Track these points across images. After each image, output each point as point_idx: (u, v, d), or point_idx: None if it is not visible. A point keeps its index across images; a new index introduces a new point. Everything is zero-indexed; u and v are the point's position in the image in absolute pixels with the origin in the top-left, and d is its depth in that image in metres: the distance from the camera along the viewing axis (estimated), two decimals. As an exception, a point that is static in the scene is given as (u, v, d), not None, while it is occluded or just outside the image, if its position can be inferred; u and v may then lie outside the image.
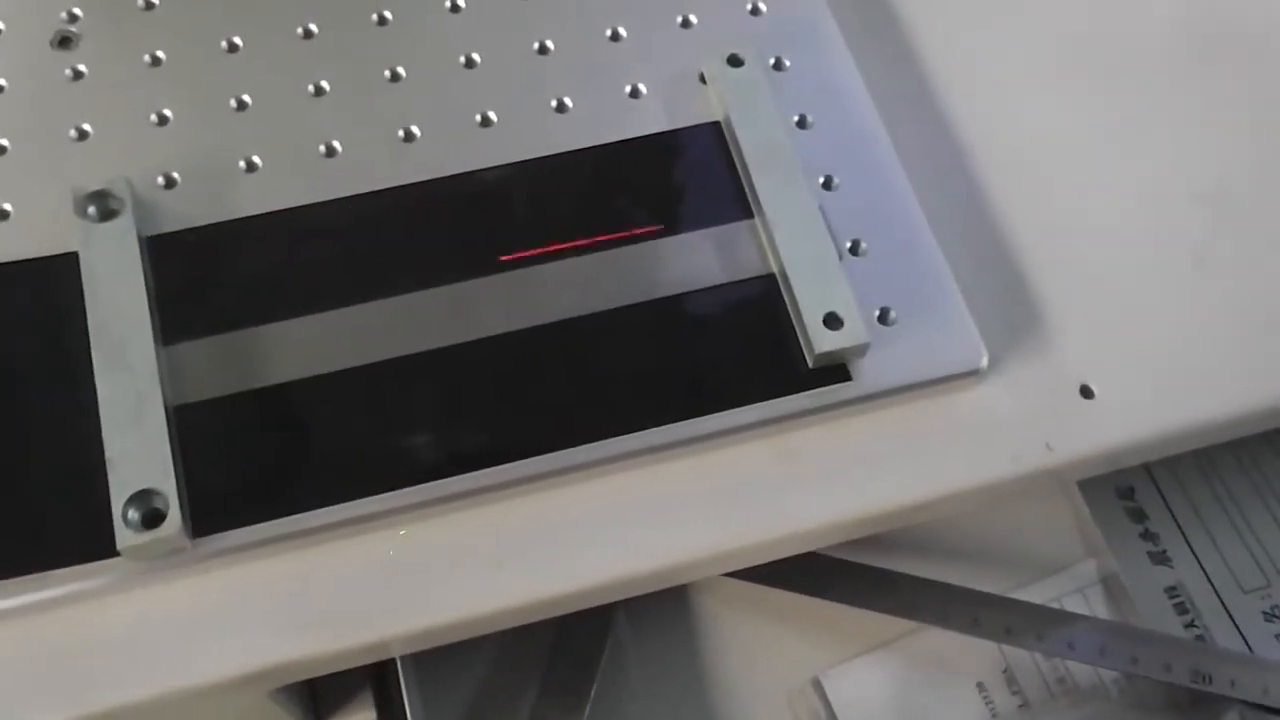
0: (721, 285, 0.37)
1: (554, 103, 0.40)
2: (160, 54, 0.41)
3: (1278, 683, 0.40)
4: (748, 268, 0.38)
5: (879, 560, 0.43)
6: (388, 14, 0.42)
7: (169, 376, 0.35)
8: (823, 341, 0.36)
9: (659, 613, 0.42)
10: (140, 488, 0.33)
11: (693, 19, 0.42)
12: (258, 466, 0.34)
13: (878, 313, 0.37)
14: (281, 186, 0.38)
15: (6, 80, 0.40)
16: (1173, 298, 0.39)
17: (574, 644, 0.42)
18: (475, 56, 0.41)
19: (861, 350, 0.36)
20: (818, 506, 0.36)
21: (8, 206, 0.38)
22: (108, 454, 0.33)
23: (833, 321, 0.36)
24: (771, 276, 0.38)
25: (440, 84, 0.41)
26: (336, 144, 0.39)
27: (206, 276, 0.37)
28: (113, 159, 0.39)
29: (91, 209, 0.36)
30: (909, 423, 0.37)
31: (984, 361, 0.37)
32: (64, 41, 0.41)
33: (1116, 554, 0.44)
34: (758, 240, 0.38)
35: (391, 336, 0.36)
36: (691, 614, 0.42)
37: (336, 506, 0.34)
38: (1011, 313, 0.39)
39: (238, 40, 0.41)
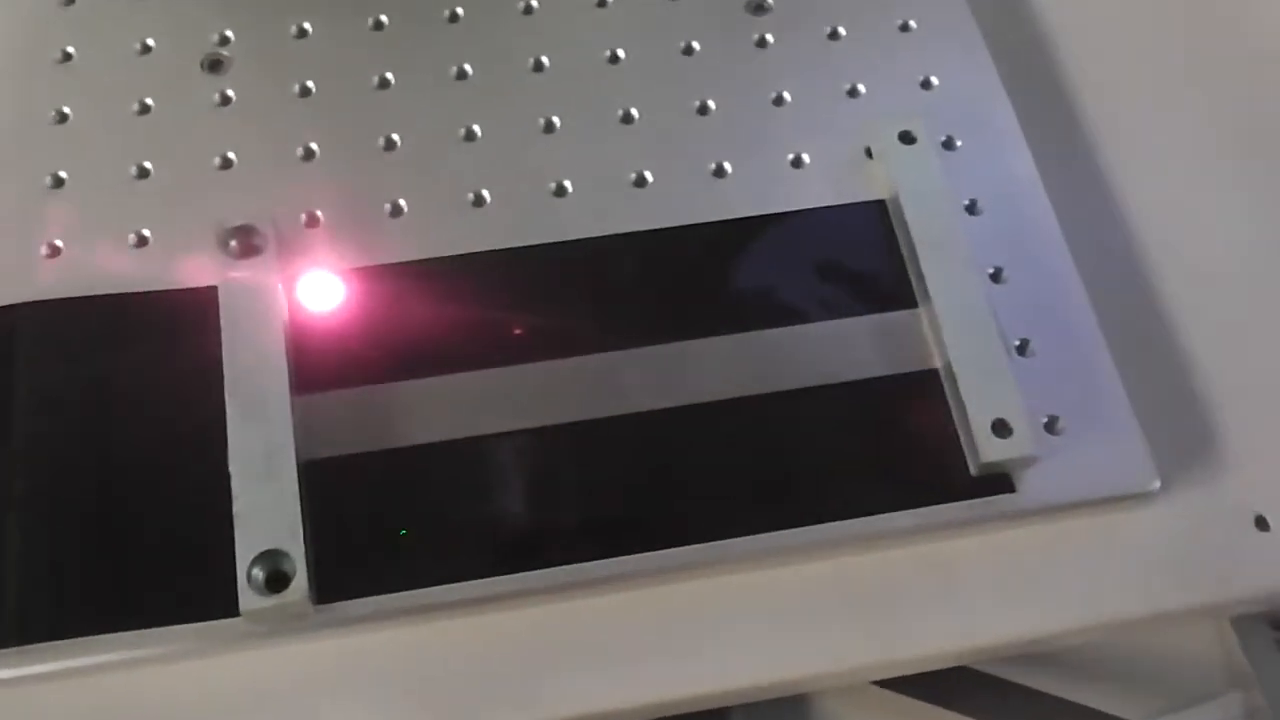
0: (880, 378, 0.35)
1: (712, 166, 0.38)
2: (310, 84, 0.39)
3: None
4: (910, 361, 0.35)
5: (1011, 672, 0.40)
6: (545, 60, 0.40)
7: (301, 429, 0.33)
8: (989, 450, 0.33)
9: (778, 713, 0.40)
10: (267, 547, 0.31)
11: (860, 88, 0.40)
12: (387, 532, 0.32)
13: (1045, 420, 0.35)
14: (427, 234, 0.37)
15: (154, 100, 0.39)
16: (1361, 429, 0.36)
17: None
18: (633, 111, 0.39)
19: (1029, 461, 0.34)
20: (968, 625, 0.33)
21: (146, 232, 0.36)
22: (236, 508, 0.31)
23: (1001, 429, 0.33)
24: (934, 372, 0.35)
25: (595, 138, 0.39)
26: (485, 193, 0.38)
27: (345, 324, 0.35)
28: (255, 191, 0.37)
29: (233, 244, 0.35)
30: (1070, 542, 0.34)
31: (1156, 484, 0.34)
32: (214, 65, 0.39)
33: (1266, 690, 0.41)
34: (922, 332, 0.36)
35: (535, 405, 0.34)
36: (812, 716, 0.40)
37: (466, 584, 0.32)
38: (1183, 431, 0.36)
39: (389, 76, 0.40)
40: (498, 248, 0.36)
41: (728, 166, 0.38)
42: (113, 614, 0.31)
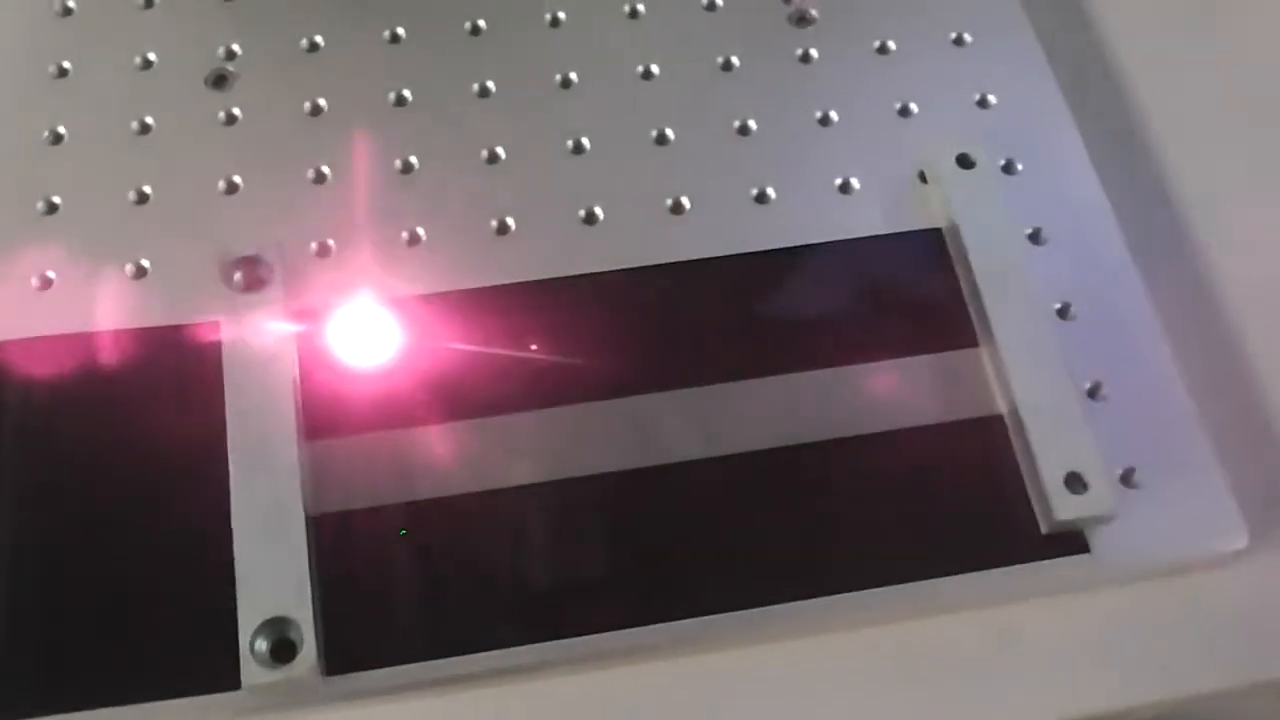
0: (938, 425, 0.32)
1: (753, 192, 0.36)
2: (321, 102, 0.37)
3: None
4: (971, 406, 0.33)
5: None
6: (573, 76, 0.38)
7: (310, 479, 0.30)
8: (1063, 507, 0.30)
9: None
10: (272, 614, 0.28)
11: (913, 107, 0.37)
12: (404, 595, 0.30)
13: (1120, 472, 0.32)
14: (448, 264, 0.34)
15: (154, 119, 0.36)
16: None
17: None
18: (668, 132, 0.37)
19: (1106, 519, 0.31)
20: (1038, 699, 0.31)
21: (145, 262, 0.34)
22: (238, 570, 0.29)
23: (1075, 483, 0.31)
24: (999, 419, 0.32)
25: (626, 161, 0.36)
26: (510, 220, 0.35)
27: (359, 363, 0.33)
28: (263, 218, 0.35)
29: (238, 276, 0.32)
30: (1150, 606, 0.31)
31: (1244, 541, 0.31)
32: (219, 80, 0.37)
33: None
34: (984, 374, 0.33)
35: (565, 454, 0.31)
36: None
37: (491, 654, 0.29)
38: (1271, 481, 0.33)
39: (406, 94, 0.37)
40: (523, 280, 0.34)
41: (770, 192, 0.36)
42: (102, 687, 0.28)
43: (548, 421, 0.32)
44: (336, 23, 0.38)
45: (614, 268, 0.34)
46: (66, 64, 0.37)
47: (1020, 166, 0.36)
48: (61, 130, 0.36)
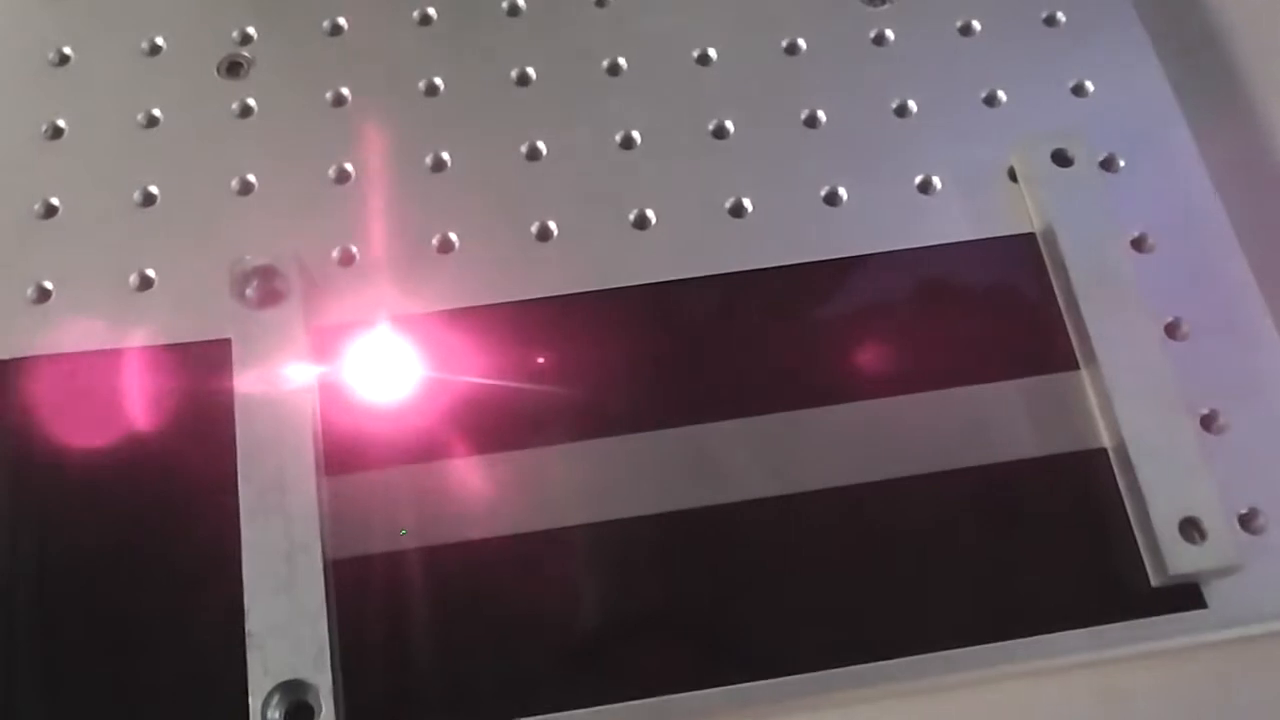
0: (1034, 460, 0.29)
1: (823, 192, 0.32)
2: (345, 91, 0.34)
3: None
4: (1071, 438, 0.29)
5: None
6: (621, 61, 0.34)
7: (331, 521, 0.27)
8: (1178, 558, 0.27)
9: None
10: (287, 677, 0.25)
11: (1001, 95, 0.34)
12: (433, 654, 0.27)
13: (1241, 514, 0.28)
14: (485, 274, 0.31)
15: (161, 111, 0.33)
16: None
17: None
18: (727, 124, 0.33)
19: (1226, 572, 0.27)
20: (1148, 771, 0.27)
21: (151, 272, 0.31)
22: (249, 625, 0.26)
23: (1191, 531, 0.27)
24: (1102, 453, 0.29)
25: (681, 157, 0.33)
26: (552, 225, 0.32)
27: (386, 388, 0.30)
28: (280, 222, 0.32)
29: (250, 289, 0.29)
30: (1273, 667, 0.28)
31: (1381, 596, 0.28)
32: (233, 68, 0.34)
33: None
34: (1085, 401, 0.29)
35: (615, 491, 0.28)
36: None
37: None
38: None
39: (438, 81, 0.34)
40: (567, 292, 0.31)
41: (842, 192, 0.32)
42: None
43: (595, 454, 0.29)
44: (362, 3, 0.35)
45: (668, 278, 0.31)
46: (66, 50, 0.34)
47: (1122, 163, 0.33)
48: (60, 123, 0.33)
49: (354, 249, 0.31)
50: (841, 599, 0.27)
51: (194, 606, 0.27)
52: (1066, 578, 0.28)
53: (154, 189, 0.32)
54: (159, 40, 0.34)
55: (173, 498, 0.28)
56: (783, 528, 0.28)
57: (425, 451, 0.28)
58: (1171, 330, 0.30)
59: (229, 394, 0.28)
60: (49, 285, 0.31)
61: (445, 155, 0.33)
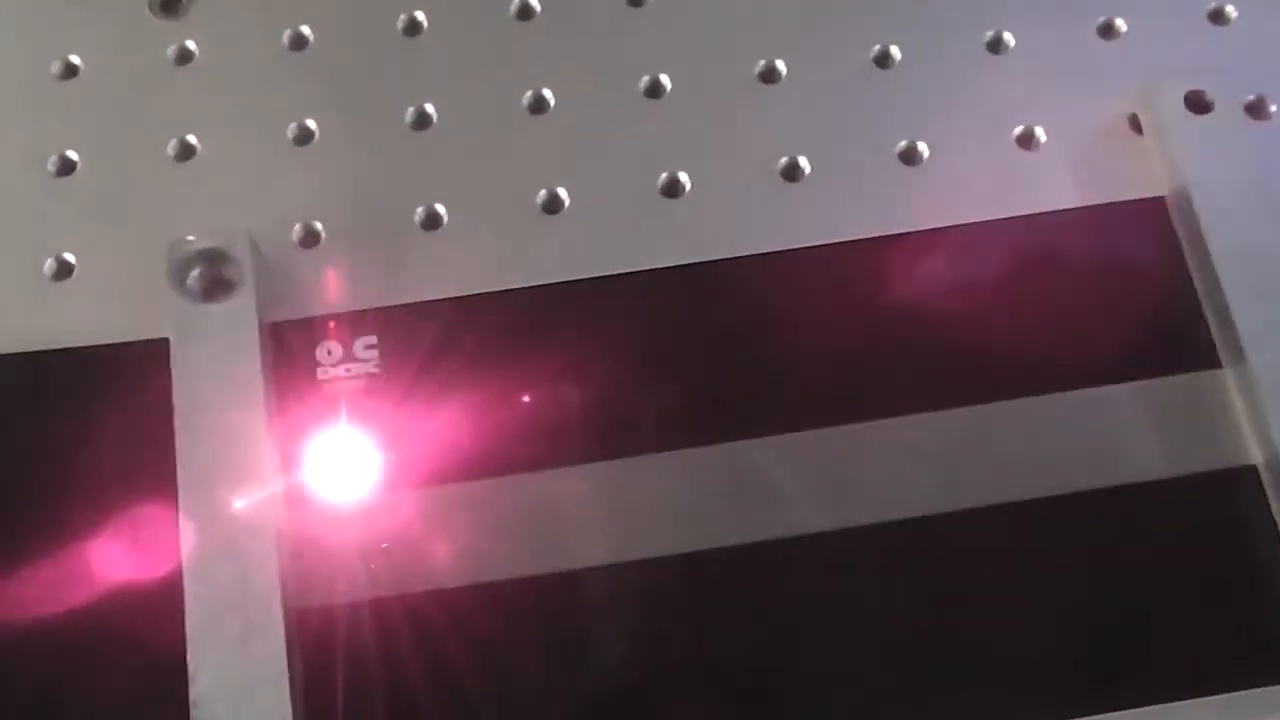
0: (1164, 481, 0.29)
1: (898, 147, 0.33)
2: (305, 30, 0.34)
3: None
4: (1212, 454, 0.29)
5: None
6: (647, -7, 0.34)
7: (293, 562, 0.27)
8: (1350, 607, 0.26)
9: None
10: (240, 760, 0.25)
11: (1120, 24, 0.34)
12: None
13: None
14: (478, 254, 0.32)
15: (81, 57, 0.34)
16: None
17: None
18: (778, 65, 0.34)
19: None
20: None
21: (69, 256, 0.31)
22: (192, 691, 0.26)
23: (1365, 573, 0.27)
24: (1251, 471, 0.29)
25: (720, 105, 0.33)
26: (561, 192, 0.32)
27: (358, 397, 0.30)
28: (228, 193, 0.33)
29: (193, 277, 0.30)
30: None
31: None
32: (169, 3, 0.35)
33: None
34: (1229, 408, 0.30)
35: (641, 524, 0.29)
36: None
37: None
38: None
39: (420, 18, 0.35)
40: (580, 277, 0.31)
41: (921, 147, 0.33)
42: None
43: (614, 477, 0.29)
44: (326, -79, 0.35)
45: (705, 258, 0.31)
46: (-34, -14, 0.35)
47: (1274, 108, 0.33)
48: (-46, 75, 0.34)
49: (319, 226, 0.32)
50: (913, 660, 0.28)
51: (127, 672, 0.27)
52: (1209, 631, 0.28)
53: (72, 154, 0.33)
54: (82, -27, 0.35)
55: (98, 535, 0.28)
56: (843, 570, 0.29)
57: (407, 476, 0.29)
58: (1336, 319, 0.30)
59: (167, 406, 0.28)
60: (-55, 273, 0.31)
61: (430, 108, 0.33)
